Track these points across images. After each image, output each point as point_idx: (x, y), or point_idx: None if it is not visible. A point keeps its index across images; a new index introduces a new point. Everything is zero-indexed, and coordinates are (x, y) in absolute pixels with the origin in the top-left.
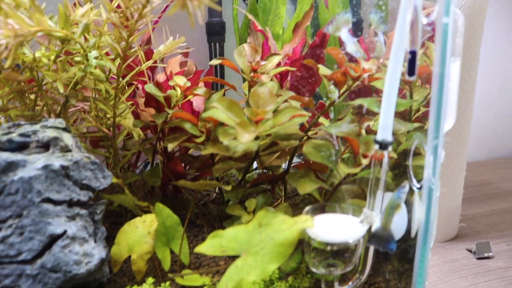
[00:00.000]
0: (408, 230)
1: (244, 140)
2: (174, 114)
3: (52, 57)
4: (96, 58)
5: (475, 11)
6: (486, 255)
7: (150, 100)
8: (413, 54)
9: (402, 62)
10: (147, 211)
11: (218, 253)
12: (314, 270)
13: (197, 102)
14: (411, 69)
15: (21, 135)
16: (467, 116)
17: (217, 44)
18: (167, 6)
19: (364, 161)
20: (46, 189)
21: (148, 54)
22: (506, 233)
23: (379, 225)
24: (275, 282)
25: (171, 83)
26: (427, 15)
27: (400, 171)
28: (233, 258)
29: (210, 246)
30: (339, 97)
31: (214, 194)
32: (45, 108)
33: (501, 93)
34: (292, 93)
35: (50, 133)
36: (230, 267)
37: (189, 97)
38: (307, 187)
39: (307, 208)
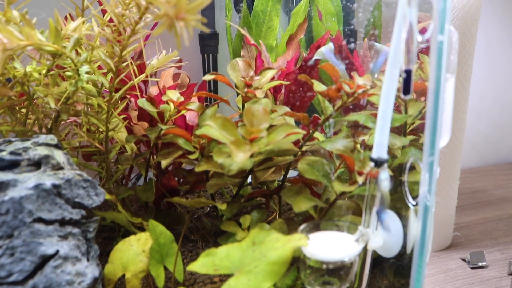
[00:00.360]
0: (404, 246)
1: (238, 160)
2: (167, 131)
3: (44, 71)
4: (87, 73)
5: (468, 22)
6: (480, 264)
7: (143, 114)
8: (408, 73)
9: (397, 80)
10: (141, 227)
11: (211, 271)
12: (309, 287)
13: (191, 116)
14: (406, 88)
15: (12, 153)
16: (460, 126)
17: (210, 55)
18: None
19: (360, 179)
20: (38, 209)
21: (141, 68)
22: (500, 241)
23: None
24: None
25: (164, 98)
26: (421, 31)
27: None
28: (228, 274)
29: (203, 264)
30: (333, 113)
31: (208, 208)
32: (36, 122)
33: (494, 101)
34: (287, 109)
35: (41, 151)
36: (223, 286)
37: (182, 112)
38: (302, 205)
39: (302, 226)
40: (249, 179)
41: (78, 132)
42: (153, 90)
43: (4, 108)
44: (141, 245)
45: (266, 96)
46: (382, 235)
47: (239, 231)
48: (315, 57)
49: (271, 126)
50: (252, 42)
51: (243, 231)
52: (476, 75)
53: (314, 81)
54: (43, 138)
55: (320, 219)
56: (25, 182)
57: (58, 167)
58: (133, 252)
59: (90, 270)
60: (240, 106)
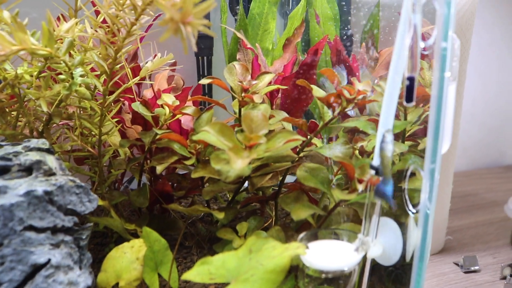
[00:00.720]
0: (403, 254)
1: (237, 167)
2: (162, 136)
3: (35, 73)
4: (81, 76)
5: (463, 27)
6: (473, 268)
7: (137, 118)
8: (411, 80)
9: (400, 86)
10: (134, 233)
11: (207, 280)
12: None
13: (186, 120)
14: (409, 96)
15: (2, 158)
16: (454, 131)
17: (205, 57)
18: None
19: (360, 187)
20: (29, 217)
21: (135, 70)
22: (491, 245)
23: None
24: None
25: (159, 102)
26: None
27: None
28: (224, 283)
29: (198, 273)
30: (332, 119)
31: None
32: (27, 125)
33: (486, 105)
34: (285, 114)
35: (33, 156)
36: None
37: (178, 116)
38: (301, 213)
39: (302, 234)
40: (245, 184)
41: (71, 136)
42: (148, 93)
43: None
44: (135, 253)
45: (262, 100)
46: (381, 243)
47: (236, 239)
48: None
49: (269, 132)
50: (249, 45)
51: (240, 238)
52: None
53: (313, 86)
54: (34, 142)
55: (319, 226)
56: (16, 188)
57: (50, 173)
58: (127, 259)
59: (83, 279)
60: (236, 110)
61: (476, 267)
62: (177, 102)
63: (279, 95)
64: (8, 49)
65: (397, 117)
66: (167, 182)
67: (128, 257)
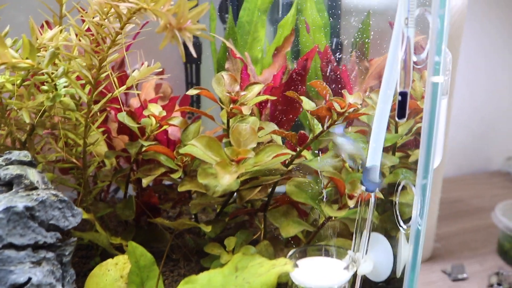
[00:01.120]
0: (394, 270)
1: (225, 182)
2: (148, 148)
3: (18, 82)
4: (65, 86)
5: (452, 36)
6: (460, 277)
7: (123, 127)
8: (403, 96)
9: (391, 101)
10: (120, 247)
11: None
12: None
13: (173, 130)
14: (401, 112)
15: None
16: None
17: (194, 65)
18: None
19: (350, 203)
20: (8, 234)
21: (122, 78)
22: (478, 252)
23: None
24: None
25: (145, 112)
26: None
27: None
28: None
29: None
30: (322, 132)
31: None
32: (9, 135)
33: (473, 112)
34: (274, 126)
35: (13, 170)
36: None
37: (164, 127)
38: (291, 229)
39: (291, 252)
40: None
41: (54, 147)
42: (134, 102)
43: None
44: (119, 270)
45: (251, 112)
46: (372, 260)
47: (224, 254)
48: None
49: (258, 144)
50: (238, 55)
51: (228, 253)
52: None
53: (303, 98)
54: (16, 154)
55: (308, 242)
56: None
57: (31, 187)
58: (111, 277)
59: None
60: (225, 121)
61: (464, 275)
62: (164, 113)
63: (268, 105)
64: None
65: (387, 128)
66: (153, 194)
67: (112, 274)
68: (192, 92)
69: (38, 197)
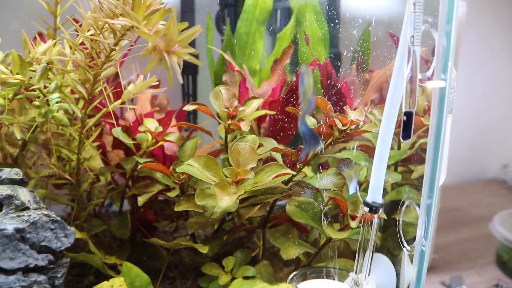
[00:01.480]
0: None
1: (224, 204)
2: (144, 166)
3: (10, 96)
4: (58, 102)
5: None
6: None
7: (119, 142)
8: (409, 116)
9: (396, 120)
10: (114, 266)
11: None
12: None
13: (169, 144)
14: (406, 133)
15: None
16: None
17: (190, 76)
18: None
19: (353, 224)
20: None
21: (117, 91)
22: (477, 262)
23: None
24: None
25: (141, 128)
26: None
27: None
28: None
29: None
30: (324, 148)
31: (187, 236)
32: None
33: (470, 121)
34: (274, 142)
35: (3, 191)
36: None
37: (161, 143)
38: (291, 251)
39: (292, 275)
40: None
41: (47, 163)
42: (130, 115)
43: None
44: None
45: (250, 128)
46: (374, 281)
47: (222, 274)
48: None
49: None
50: (236, 68)
51: (226, 274)
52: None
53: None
54: (6, 172)
55: (309, 262)
56: None
57: (22, 208)
58: None
59: None
60: (223, 136)
61: (463, 287)
62: (160, 129)
63: (267, 119)
64: None
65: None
66: (149, 211)
67: None
68: (190, 107)
69: (29, 218)
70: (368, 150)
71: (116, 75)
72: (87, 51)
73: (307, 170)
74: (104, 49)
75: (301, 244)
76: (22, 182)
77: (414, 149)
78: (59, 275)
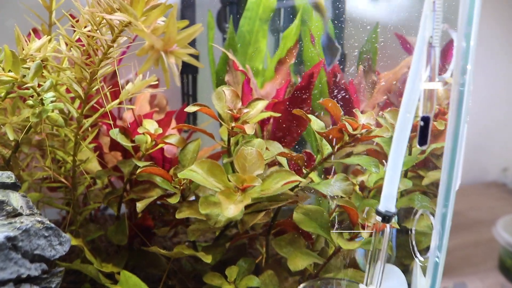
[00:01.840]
0: None
1: (230, 214)
2: (143, 170)
3: (2, 94)
4: (53, 101)
5: None
6: None
7: (116, 143)
8: (426, 121)
9: (411, 125)
10: (111, 274)
11: None
12: None
13: (169, 146)
14: (423, 138)
15: None
16: None
17: (190, 75)
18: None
19: (364, 234)
20: None
21: (115, 91)
22: (479, 268)
23: None
24: None
25: (140, 130)
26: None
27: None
28: None
29: None
30: (332, 153)
31: (186, 242)
32: None
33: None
34: (279, 146)
35: None
36: None
37: (160, 145)
38: (299, 262)
39: (300, 287)
40: None
41: (42, 165)
42: (128, 115)
43: None
44: None
45: (255, 132)
46: None
47: (225, 285)
48: None
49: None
50: (240, 68)
51: (229, 284)
52: None
53: (311, 117)
54: None
55: (317, 273)
56: None
57: (14, 214)
58: None
59: None
60: (225, 139)
61: None
62: (160, 130)
63: (270, 121)
64: None
65: None
66: (148, 216)
67: None
68: (191, 109)
69: (22, 225)
70: (376, 155)
71: (114, 73)
72: (84, 48)
73: (313, 175)
74: (101, 46)
75: (309, 254)
76: (14, 186)
77: (425, 154)
78: (53, 286)
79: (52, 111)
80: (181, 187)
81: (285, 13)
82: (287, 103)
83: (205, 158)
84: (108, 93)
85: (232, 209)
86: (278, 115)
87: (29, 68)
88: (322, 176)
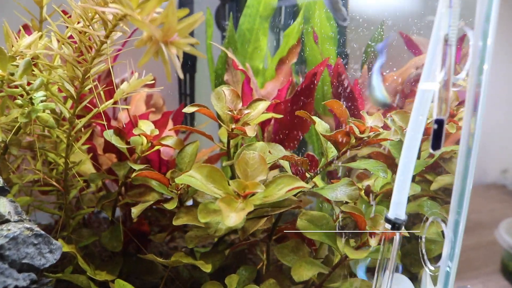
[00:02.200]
0: None
1: (231, 223)
2: (139, 174)
3: None
4: (43, 100)
5: None
6: None
7: (110, 145)
8: (440, 124)
9: (423, 128)
10: (104, 283)
11: None
12: None
13: (166, 148)
14: (436, 142)
15: None
16: None
17: (188, 74)
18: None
19: (372, 242)
20: None
21: (109, 90)
22: (481, 271)
23: None
24: None
25: (135, 131)
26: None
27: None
28: None
29: None
30: (338, 157)
31: (183, 249)
32: None
33: None
34: (282, 149)
35: None
36: None
37: (157, 147)
38: (304, 272)
39: None
40: None
41: (32, 168)
42: (123, 116)
43: None
44: None
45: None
46: None
47: None
48: None
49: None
50: (240, 67)
51: None
52: None
53: (316, 119)
54: None
55: (321, 282)
56: None
57: (1, 221)
58: None
59: None
60: (224, 140)
61: None
62: (156, 132)
63: (271, 122)
64: None
65: None
66: (143, 221)
67: None
68: (190, 109)
69: (9, 232)
70: (383, 159)
71: (108, 72)
72: (76, 45)
73: (317, 179)
74: (94, 42)
75: (313, 263)
76: (2, 191)
77: (434, 158)
78: None
79: (43, 111)
80: (179, 192)
81: (287, 10)
82: (289, 103)
83: (204, 162)
84: (102, 93)
85: (233, 218)
86: (280, 116)
87: (18, 66)
88: (325, 179)
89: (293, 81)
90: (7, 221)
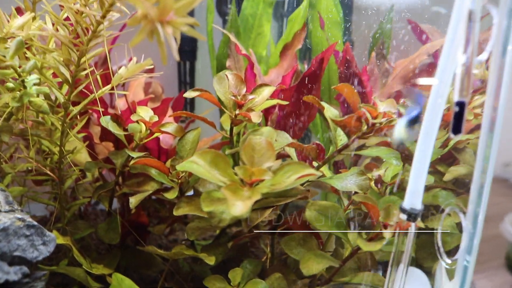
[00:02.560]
0: None
1: (237, 212)
2: (138, 162)
3: None
4: (36, 84)
5: None
6: None
7: (107, 133)
8: (461, 106)
9: (442, 112)
10: (102, 276)
11: None
12: None
13: (165, 136)
14: (457, 125)
15: None
16: None
17: (188, 62)
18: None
19: (386, 233)
20: None
21: (107, 76)
22: (486, 266)
23: None
24: None
25: (133, 117)
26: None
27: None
28: None
29: None
30: (348, 144)
31: (183, 242)
32: None
33: None
34: (288, 137)
35: None
36: None
37: (156, 134)
38: (313, 265)
39: None
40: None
41: (26, 157)
42: (121, 103)
43: None
44: None
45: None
46: None
47: None
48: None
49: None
50: (243, 51)
51: None
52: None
53: (324, 104)
54: None
55: (331, 276)
56: None
57: None
58: None
59: None
60: (227, 128)
61: None
62: (155, 118)
63: (276, 110)
64: None
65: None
66: (142, 212)
67: None
68: (191, 94)
69: None
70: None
71: (105, 59)
72: (72, 27)
73: (324, 168)
74: (90, 24)
75: (323, 256)
76: None
77: (448, 147)
78: None
79: (37, 96)
80: (179, 181)
81: None
82: (295, 90)
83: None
84: (98, 78)
85: (239, 206)
86: (285, 103)
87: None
88: (331, 170)
89: (298, 68)
90: None
